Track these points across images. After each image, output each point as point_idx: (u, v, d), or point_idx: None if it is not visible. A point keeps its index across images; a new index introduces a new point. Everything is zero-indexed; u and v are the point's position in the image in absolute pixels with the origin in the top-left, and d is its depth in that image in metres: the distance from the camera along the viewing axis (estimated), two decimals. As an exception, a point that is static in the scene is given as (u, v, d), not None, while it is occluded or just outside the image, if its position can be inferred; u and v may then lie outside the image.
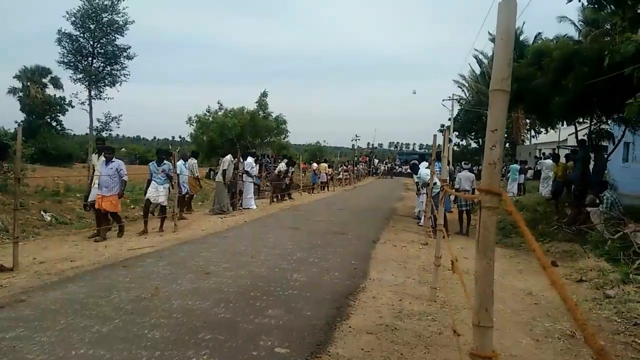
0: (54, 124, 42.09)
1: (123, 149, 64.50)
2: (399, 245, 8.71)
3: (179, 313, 4.34)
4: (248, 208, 13.99)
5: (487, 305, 1.74)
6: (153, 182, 9.81)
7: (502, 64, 1.72)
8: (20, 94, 40.04)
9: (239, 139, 26.63)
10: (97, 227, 8.72)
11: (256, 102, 31.05)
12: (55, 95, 41.24)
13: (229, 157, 13.00)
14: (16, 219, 6.42)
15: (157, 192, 9.70)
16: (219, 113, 29.07)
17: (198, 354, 3.44)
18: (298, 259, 7.00)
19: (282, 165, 17.23)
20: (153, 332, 3.83)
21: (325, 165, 25.10)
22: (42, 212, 10.26)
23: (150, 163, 10.30)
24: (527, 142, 39.18)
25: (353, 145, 63.58)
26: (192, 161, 12.92)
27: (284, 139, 33.06)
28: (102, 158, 8.80)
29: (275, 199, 16.51)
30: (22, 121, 38.25)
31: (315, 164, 23.78)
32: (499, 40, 1.73)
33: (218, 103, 29.75)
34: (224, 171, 12.61)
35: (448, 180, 9.75)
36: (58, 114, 41.96)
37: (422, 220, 10.95)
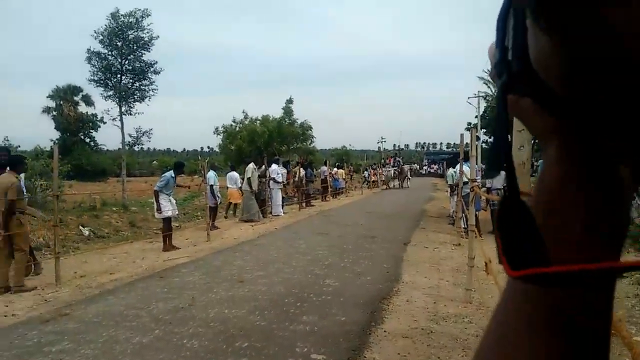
0: (88, 140, 43.66)
1: (155, 162, 66.02)
2: (430, 246, 8.63)
3: (216, 322, 4.43)
4: (277, 215, 14.11)
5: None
6: (165, 195, 9.01)
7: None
8: (54, 112, 41.71)
9: (267, 147, 26.89)
10: None
11: (282, 109, 31.29)
12: (87, 112, 42.79)
13: (251, 165, 13.19)
14: (56, 234, 6.68)
15: (173, 206, 9.30)
16: (245, 122, 29.43)
17: (236, 362, 3.51)
18: (330, 264, 7.03)
19: (301, 171, 17.24)
20: (192, 341, 3.93)
21: (343, 171, 25.10)
22: (81, 227, 10.64)
23: (169, 175, 9.24)
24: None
25: (379, 147, 63.26)
26: (235, 174, 13.42)
27: (310, 144, 33.16)
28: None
29: (304, 205, 16.61)
30: (57, 139, 39.73)
31: (335, 169, 23.76)
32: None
33: (243, 112, 30.15)
34: (249, 179, 12.77)
35: (480, 179, 9.61)
36: (91, 131, 43.53)
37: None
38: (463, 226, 9.14)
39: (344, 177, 24.40)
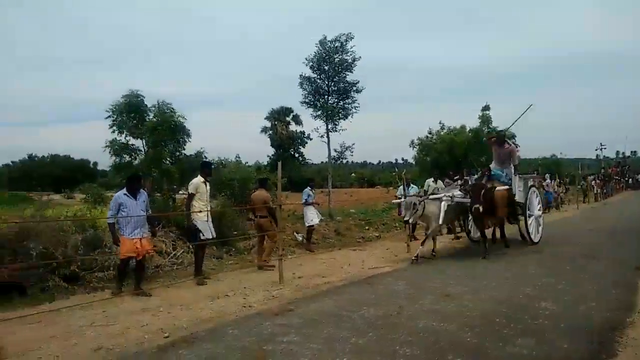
0: (297, 155, 49.03)
1: (353, 174, 69.90)
2: (675, 274, 7.18)
3: (425, 332, 4.49)
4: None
5: None
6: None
7: None
8: (270, 132, 48.20)
9: (465, 157, 25.98)
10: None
11: (479, 117, 29.85)
12: (296, 130, 48.25)
13: (429, 180, 13.04)
14: (281, 240, 7.66)
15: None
16: (442, 133, 28.96)
17: (449, 376, 3.52)
18: (543, 284, 6.45)
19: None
20: (404, 348, 4.06)
21: (554, 183, 22.63)
22: (295, 233, 11.92)
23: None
24: None
25: (597, 155, 55.28)
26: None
27: (513, 153, 30.73)
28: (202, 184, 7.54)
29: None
30: (272, 155, 45.68)
31: (548, 181, 21.55)
32: None
33: (440, 123, 29.70)
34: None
35: None
36: (299, 147, 48.79)
37: None
38: None
39: (555, 189, 22.10)
